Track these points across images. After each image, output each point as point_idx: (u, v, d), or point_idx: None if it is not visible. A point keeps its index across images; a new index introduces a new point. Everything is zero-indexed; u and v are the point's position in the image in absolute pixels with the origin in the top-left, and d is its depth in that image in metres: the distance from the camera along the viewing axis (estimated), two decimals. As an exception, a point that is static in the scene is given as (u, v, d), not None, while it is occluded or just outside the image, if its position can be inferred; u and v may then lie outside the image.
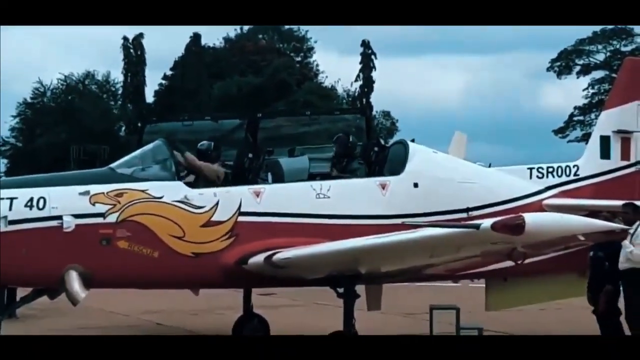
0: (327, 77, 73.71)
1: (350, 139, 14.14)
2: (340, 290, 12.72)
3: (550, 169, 14.74)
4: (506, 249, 11.15)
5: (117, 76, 71.77)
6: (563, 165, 14.86)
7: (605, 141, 15.16)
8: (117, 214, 12.33)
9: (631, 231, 12.87)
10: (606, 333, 13.54)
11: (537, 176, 14.67)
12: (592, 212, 13.27)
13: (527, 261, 12.70)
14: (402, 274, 13.05)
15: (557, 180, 14.71)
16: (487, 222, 10.30)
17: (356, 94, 72.76)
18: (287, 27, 73.87)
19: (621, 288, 13.49)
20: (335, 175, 13.93)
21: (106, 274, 12.34)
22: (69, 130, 64.00)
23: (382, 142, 14.96)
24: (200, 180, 13.16)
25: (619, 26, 61.85)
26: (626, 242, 13.01)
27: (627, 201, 13.62)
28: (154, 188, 12.61)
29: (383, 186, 13.45)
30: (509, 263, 12.79)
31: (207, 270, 12.68)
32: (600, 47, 67.92)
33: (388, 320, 17.53)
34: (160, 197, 12.55)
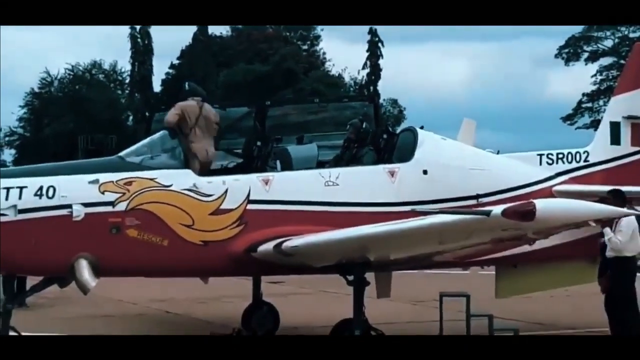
0: (334, 65, 73.83)
1: (364, 126, 14.10)
2: (350, 277, 12.71)
3: (560, 155, 14.68)
4: (516, 235, 11.12)
5: (124, 65, 71.92)
6: (573, 151, 14.79)
7: (615, 127, 15.09)
8: (127, 202, 12.32)
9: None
10: (616, 321, 13.55)
11: (547, 162, 14.61)
12: (603, 198, 13.23)
13: (537, 248, 12.74)
14: (412, 261, 13.00)
15: (567, 167, 14.67)
16: (497, 209, 10.26)
17: (363, 82, 72.72)
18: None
19: None
20: (344, 158, 13.92)
21: (116, 263, 12.35)
22: (76, 119, 64.18)
23: (391, 129, 14.88)
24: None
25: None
26: (607, 230, 12.97)
27: (613, 187, 13.60)
28: (163, 176, 12.58)
29: (392, 173, 13.41)
30: (518, 250, 12.82)
31: (216, 258, 12.66)
32: (608, 33, 67.76)
33: (397, 308, 17.52)
34: (169, 186, 12.53)
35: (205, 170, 12.88)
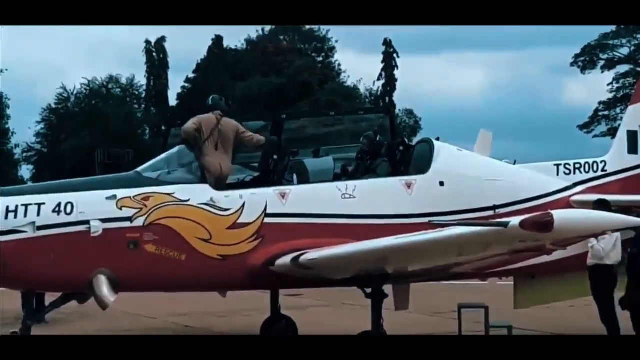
0: (349, 76, 73.90)
1: (378, 138, 14.13)
2: (368, 290, 12.70)
3: (578, 165, 14.66)
4: (534, 246, 11.09)
5: (140, 80, 72.19)
6: (590, 161, 14.76)
7: (632, 136, 15.05)
8: (144, 217, 12.36)
9: None
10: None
11: (564, 172, 14.60)
12: (621, 208, 13.20)
13: (556, 258, 12.70)
14: (430, 273, 12.99)
15: (584, 177, 14.63)
16: (515, 220, 10.22)
17: (379, 93, 72.77)
18: (307, 27, 74.08)
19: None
20: (360, 170, 13.94)
21: (134, 278, 12.38)
22: (93, 134, 64.34)
23: (407, 141, 14.90)
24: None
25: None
26: (591, 238, 13.04)
27: (599, 198, 13.63)
28: (180, 191, 12.62)
29: (409, 185, 13.41)
30: (537, 260, 12.79)
31: (234, 272, 12.68)
32: (624, 41, 67.57)
33: (416, 320, 17.49)
34: (187, 200, 12.57)
35: (217, 183, 12.90)
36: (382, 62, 72.60)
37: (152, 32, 71.09)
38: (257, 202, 12.80)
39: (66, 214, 12.17)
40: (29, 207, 12.11)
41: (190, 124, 13.15)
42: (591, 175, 14.70)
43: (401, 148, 14.19)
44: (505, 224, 10.32)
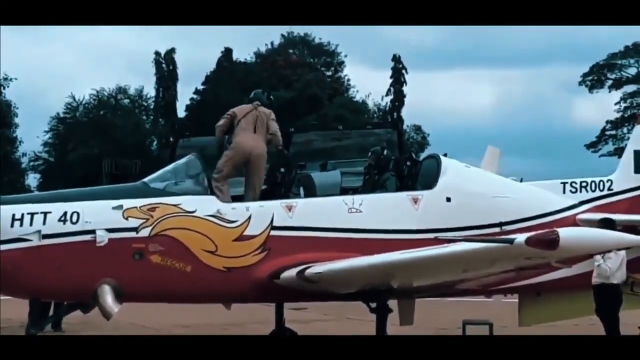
0: (357, 91, 74.01)
1: (384, 152, 14.16)
2: (373, 305, 12.69)
3: (584, 184, 14.65)
4: (540, 263, 11.08)
5: (149, 91, 72.33)
6: (597, 179, 14.76)
7: (639, 156, 15.04)
8: (150, 228, 12.36)
9: None
10: None
11: (571, 191, 14.59)
12: (627, 227, 13.19)
13: (561, 276, 12.70)
14: (435, 289, 13.00)
15: (590, 195, 14.62)
16: (521, 237, 10.24)
17: (387, 108, 72.81)
18: (317, 41, 74.30)
19: None
20: (367, 185, 13.96)
21: (139, 288, 12.38)
22: (101, 144, 64.42)
23: (414, 156, 14.90)
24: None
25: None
26: (597, 257, 13.07)
27: (604, 217, 13.64)
28: (187, 202, 12.64)
29: (415, 200, 13.41)
30: (542, 278, 12.78)
31: (239, 284, 12.67)
32: (632, 61, 67.67)
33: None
34: (193, 212, 12.58)
35: (241, 163, 13.01)
36: (391, 77, 72.66)
37: (162, 44, 71.34)
38: (263, 214, 12.81)
39: (72, 223, 12.18)
40: (35, 216, 12.12)
41: (222, 118, 13.41)
42: (597, 194, 14.69)
43: (408, 163, 14.21)
44: (511, 241, 10.33)
